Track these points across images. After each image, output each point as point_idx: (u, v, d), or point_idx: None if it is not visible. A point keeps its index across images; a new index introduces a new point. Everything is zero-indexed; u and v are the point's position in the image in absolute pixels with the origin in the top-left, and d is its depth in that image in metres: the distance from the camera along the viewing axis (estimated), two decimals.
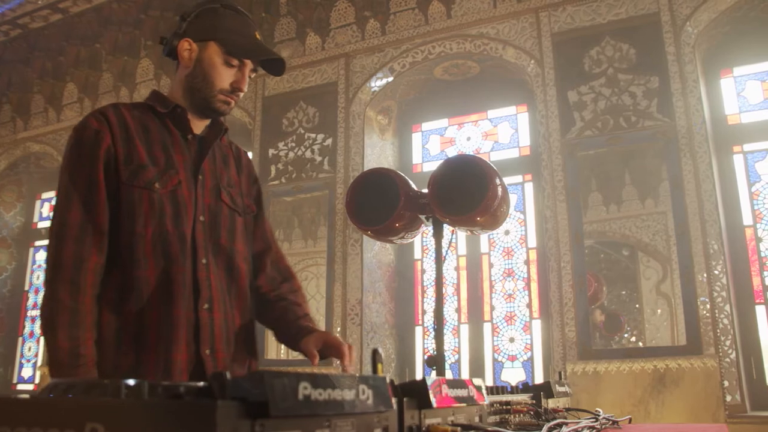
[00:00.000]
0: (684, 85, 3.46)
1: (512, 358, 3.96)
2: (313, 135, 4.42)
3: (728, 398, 3.06)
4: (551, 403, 1.63)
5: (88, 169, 1.34)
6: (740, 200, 3.58)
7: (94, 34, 5.50)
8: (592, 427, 1.47)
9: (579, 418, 1.62)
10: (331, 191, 4.26)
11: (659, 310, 3.45)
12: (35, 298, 5.94)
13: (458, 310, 4.18)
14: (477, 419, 0.94)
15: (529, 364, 3.92)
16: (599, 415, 1.61)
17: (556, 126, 3.69)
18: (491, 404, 1.22)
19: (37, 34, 5.80)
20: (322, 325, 3.83)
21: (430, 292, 4.29)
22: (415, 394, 0.78)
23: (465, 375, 4.02)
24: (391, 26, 4.37)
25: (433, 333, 4.13)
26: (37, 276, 6.00)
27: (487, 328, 4.07)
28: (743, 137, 3.66)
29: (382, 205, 1.93)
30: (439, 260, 1.90)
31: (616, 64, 3.65)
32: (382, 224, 1.93)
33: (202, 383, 0.56)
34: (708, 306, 3.16)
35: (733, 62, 3.78)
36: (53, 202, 6.37)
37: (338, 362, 1.43)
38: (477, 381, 0.98)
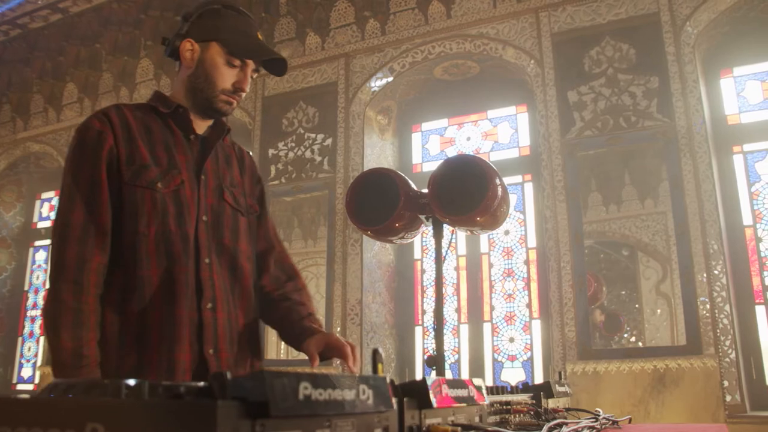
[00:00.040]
0: (684, 85, 3.46)
1: (512, 358, 3.96)
2: (313, 135, 4.42)
3: (728, 398, 3.06)
4: (551, 403, 1.63)
5: (91, 170, 1.35)
6: (740, 200, 3.58)
7: (94, 34, 5.50)
8: (592, 427, 1.47)
9: (579, 418, 1.62)
10: (331, 191, 4.26)
11: (659, 310, 3.45)
12: (35, 298, 5.94)
13: (458, 310, 4.19)
14: (477, 419, 0.94)
15: (528, 364, 3.92)
16: (599, 415, 1.62)
17: (555, 126, 3.69)
18: (491, 404, 1.22)
19: (37, 34, 5.80)
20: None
21: (430, 292, 4.29)
22: (415, 394, 0.78)
23: (465, 375, 4.02)
24: (390, 26, 4.37)
25: (433, 333, 4.13)
26: (36, 276, 6.00)
27: (486, 328, 4.07)
28: (743, 137, 3.66)
29: (382, 205, 1.93)
30: (439, 260, 1.91)
31: (616, 64, 3.65)
32: (382, 224, 1.94)
33: (202, 383, 0.56)
34: (708, 306, 3.16)
35: (732, 62, 3.78)
36: (53, 202, 6.38)
37: (338, 362, 1.42)
38: (477, 381, 0.98)
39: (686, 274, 3.25)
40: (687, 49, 3.51)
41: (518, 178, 4.17)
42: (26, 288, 6.00)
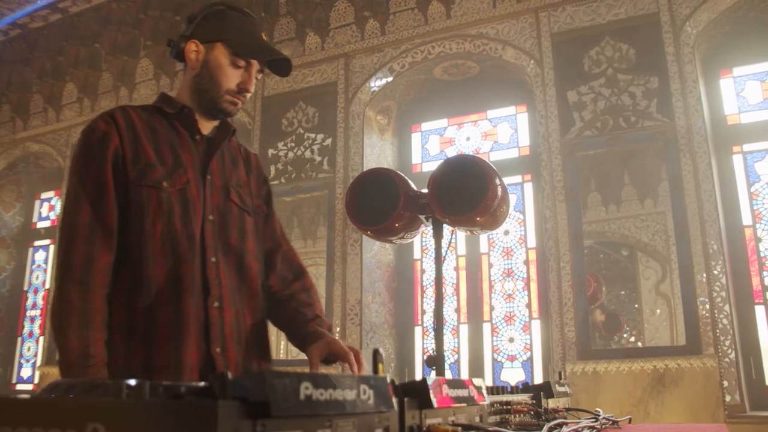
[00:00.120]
0: (683, 85, 3.46)
1: (512, 358, 3.96)
2: (313, 135, 4.42)
3: (728, 398, 3.06)
4: (551, 403, 1.63)
5: (97, 170, 1.35)
6: (740, 200, 3.58)
7: (93, 34, 5.50)
8: (592, 427, 1.47)
9: (579, 418, 1.62)
10: (331, 191, 4.26)
11: (658, 310, 3.45)
12: (34, 298, 5.94)
13: (458, 310, 4.19)
14: (477, 419, 0.94)
15: (528, 364, 3.92)
16: (599, 415, 1.62)
17: (555, 126, 3.70)
18: (491, 404, 1.22)
19: (37, 34, 5.80)
20: None
21: (430, 292, 4.29)
22: (415, 394, 0.78)
23: (464, 375, 4.02)
24: (390, 26, 4.37)
25: (432, 333, 4.13)
26: (36, 276, 5.99)
27: (486, 328, 4.07)
28: (743, 137, 3.66)
29: (382, 205, 1.93)
30: (439, 260, 1.91)
31: (616, 65, 3.65)
32: (382, 224, 1.94)
33: (203, 383, 0.56)
34: (707, 306, 3.16)
35: (732, 62, 3.78)
36: (52, 202, 6.36)
37: (339, 363, 1.42)
38: (477, 381, 0.98)
39: (686, 274, 3.25)
40: (687, 49, 3.51)
41: (518, 178, 4.17)
42: (26, 288, 6.00)
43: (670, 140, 3.43)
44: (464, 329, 4.15)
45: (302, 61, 4.56)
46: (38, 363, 5.41)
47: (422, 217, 1.95)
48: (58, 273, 1.31)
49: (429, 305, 4.27)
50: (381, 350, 0.87)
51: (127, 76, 5.33)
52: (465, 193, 1.85)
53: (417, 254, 4.44)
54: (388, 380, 0.69)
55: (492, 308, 4.07)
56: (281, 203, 4.44)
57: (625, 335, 3.53)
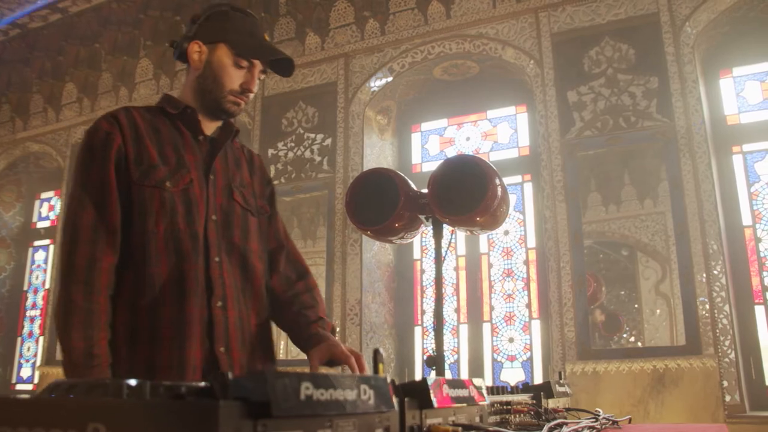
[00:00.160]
0: (683, 85, 3.46)
1: (511, 358, 3.96)
2: (313, 135, 4.42)
3: (727, 398, 3.06)
4: (551, 403, 1.63)
5: (100, 171, 1.35)
6: (739, 200, 3.58)
7: (93, 34, 5.50)
8: (593, 427, 1.47)
9: (579, 418, 1.62)
10: (331, 191, 4.26)
11: (658, 311, 3.45)
12: (34, 298, 5.94)
13: (457, 310, 4.19)
14: (478, 419, 0.94)
15: (528, 365, 3.92)
16: (599, 415, 1.62)
17: (555, 126, 3.70)
18: (492, 404, 1.22)
19: (37, 34, 5.80)
20: None
21: (430, 292, 4.29)
22: (416, 394, 0.78)
23: (464, 375, 4.02)
24: (390, 26, 4.37)
25: (432, 333, 4.14)
26: (36, 276, 5.99)
27: (486, 328, 4.07)
28: (742, 137, 3.66)
29: (382, 205, 1.93)
30: (439, 260, 1.91)
31: (616, 65, 3.65)
32: (382, 224, 1.93)
33: (204, 383, 0.56)
34: (707, 306, 3.17)
35: (732, 62, 3.79)
36: (52, 202, 6.35)
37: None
38: (477, 381, 0.98)
39: (685, 275, 3.25)
40: (686, 50, 3.52)
41: (518, 179, 4.17)
42: (25, 288, 6.00)
43: (670, 140, 3.43)
44: (464, 329, 4.15)
45: (302, 61, 4.56)
46: (38, 363, 5.41)
47: (422, 217, 1.95)
48: (62, 274, 1.31)
49: (429, 305, 4.27)
50: (381, 350, 0.87)
51: (127, 76, 5.33)
52: (465, 193, 1.85)
53: (417, 254, 4.44)
54: (389, 380, 0.69)
55: (492, 308, 4.08)
56: (281, 203, 4.42)
57: (624, 335, 3.53)
